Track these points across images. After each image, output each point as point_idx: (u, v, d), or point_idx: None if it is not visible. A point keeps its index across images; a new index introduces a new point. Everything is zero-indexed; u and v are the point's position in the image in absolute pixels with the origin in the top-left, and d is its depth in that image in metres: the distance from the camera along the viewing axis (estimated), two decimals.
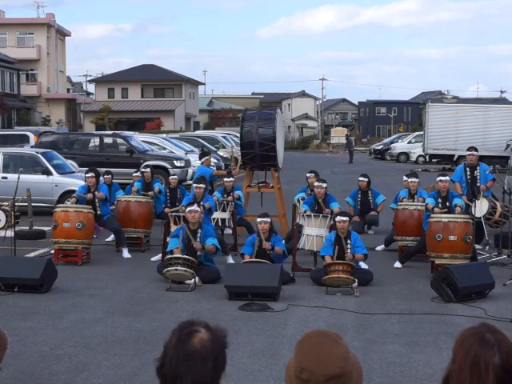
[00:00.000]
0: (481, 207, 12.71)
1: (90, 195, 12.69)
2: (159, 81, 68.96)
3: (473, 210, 12.42)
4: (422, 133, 39.78)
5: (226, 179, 14.29)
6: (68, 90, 76.63)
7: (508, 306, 9.10)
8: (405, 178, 13.76)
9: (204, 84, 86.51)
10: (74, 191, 14.09)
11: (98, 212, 12.69)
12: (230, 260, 11.72)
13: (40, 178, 17.14)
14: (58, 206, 12.90)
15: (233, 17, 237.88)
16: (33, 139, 25.60)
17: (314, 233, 11.19)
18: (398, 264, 11.78)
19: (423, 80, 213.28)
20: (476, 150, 13.64)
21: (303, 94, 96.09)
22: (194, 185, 12.52)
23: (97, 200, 12.78)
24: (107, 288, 10.15)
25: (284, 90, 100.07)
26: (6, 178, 17.18)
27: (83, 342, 7.51)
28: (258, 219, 10.63)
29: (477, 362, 2.12)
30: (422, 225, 11.89)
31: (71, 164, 19.30)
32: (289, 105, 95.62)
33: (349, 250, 10.23)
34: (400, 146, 45.83)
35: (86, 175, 13.06)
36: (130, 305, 9.20)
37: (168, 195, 14.91)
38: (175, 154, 25.82)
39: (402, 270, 11.54)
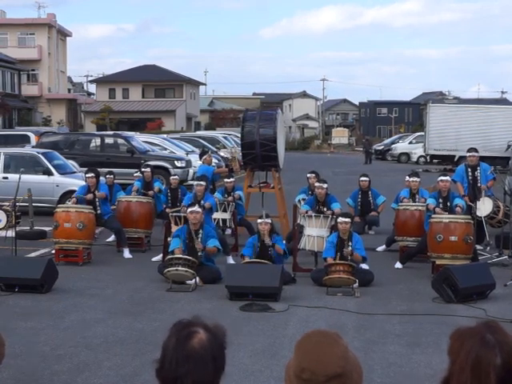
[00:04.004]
0: (485, 207, 12.72)
1: (90, 195, 12.71)
2: (160, 81, 68.94)
3: (476, 210, 12.41)
4: (422, 133, 39.75)
5: (226, 180, 14.33)
6: (69, 91, 76.59)
7: (509, 307, 9.10)
8: (407, 178, 13.76)
9: (205, 84, 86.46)
10: (74, 191, 14.07)
11: (98, 211, 12.70)
12: (231, 260, 11.72)
13: (41, 178, 17.14)
14: (58, 206, 12.94)
15: (233, 17, 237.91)
16: (34, 139, 25.57)
17: (314, 233, 11.19)
18: (398, 264, 11.78)
19: (424, 80, 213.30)
20: (476, 150, 13.64)
21: (304, 95, 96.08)
22: (196, 183, 12.56)
23: (97, 199, 12.79)
24: (108, 288, 10.15)
25: (285, 91, 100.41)
26: (6, 178, 17.18)
27: (84, 342, 7.51)
28: (259, 220, 10.63)
29: (478, 363, 2.11)
30: (423, 225, 11.88)
31: (72, 164, 19.31)
32: (290, 105, 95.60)
33: (350, 247, 10.26)
34: (401, 147, 45.82)
35: (86, 175, 13.10)
36: (131, 305, 9.21)
37: (169, 195, 14.91)
38: (176, 154, 25.83)
39: (403, 271, 11.54)
